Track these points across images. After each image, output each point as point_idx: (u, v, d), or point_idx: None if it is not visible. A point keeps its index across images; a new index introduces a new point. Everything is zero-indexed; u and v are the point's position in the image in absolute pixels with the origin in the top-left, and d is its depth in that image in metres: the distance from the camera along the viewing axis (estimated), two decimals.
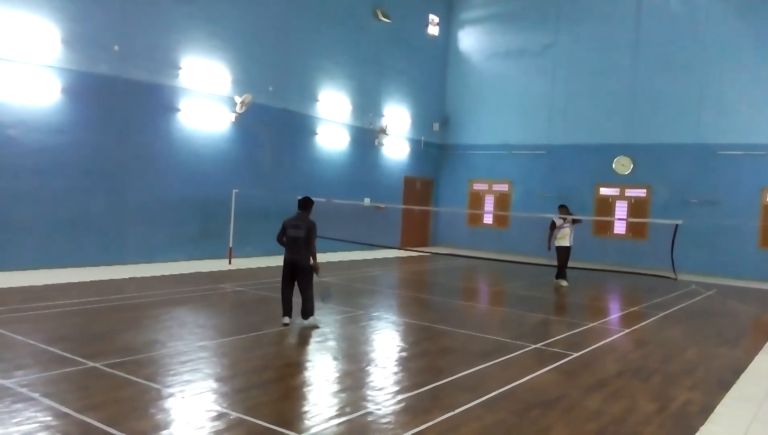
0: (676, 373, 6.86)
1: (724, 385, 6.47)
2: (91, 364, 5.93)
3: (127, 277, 11.25)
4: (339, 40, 17.64)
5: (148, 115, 13.04)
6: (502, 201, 20.96)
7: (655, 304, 11.66)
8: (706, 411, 5.59)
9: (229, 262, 13.75)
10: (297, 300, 8.10)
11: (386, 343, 7.83)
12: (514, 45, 20.64)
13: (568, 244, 13.16)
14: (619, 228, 18.82)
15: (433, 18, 21.32)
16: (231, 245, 13.92)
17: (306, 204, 8.25)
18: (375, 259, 16.93)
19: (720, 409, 5.69)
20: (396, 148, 20.15)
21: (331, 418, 4.89)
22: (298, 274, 8.04)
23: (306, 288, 8.03)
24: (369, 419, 4.97)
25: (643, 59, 18.37)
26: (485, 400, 5.49)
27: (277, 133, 15.88)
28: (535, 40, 20.23)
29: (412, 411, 5.20)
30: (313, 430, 4.63)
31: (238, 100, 14.48)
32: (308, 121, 16.89)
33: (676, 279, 12.17)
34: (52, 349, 6.38)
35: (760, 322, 11.15)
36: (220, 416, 4.83)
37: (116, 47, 12.23)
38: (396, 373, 6.33)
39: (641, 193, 18.50)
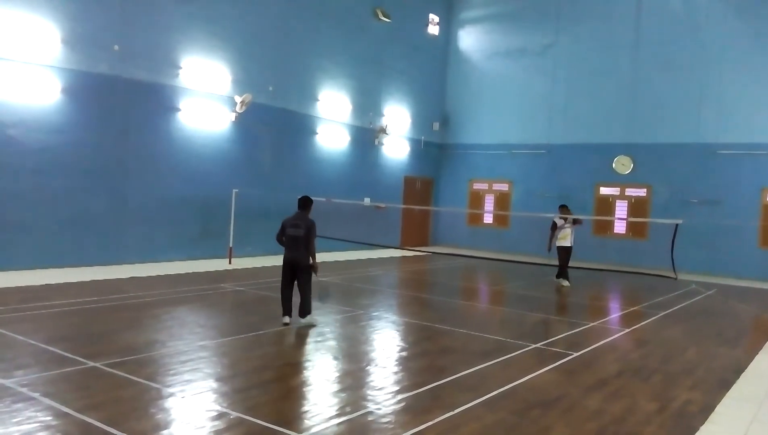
0: (676, 372, 6.86)
1: (725, 384, 6.47)
2: (92, 363, 5.93)
3: (127, 276, 11.25)
4: (339, 40, 17.64)
5: (148, 115, 13.05)
6: (502, 201, 20.96)
7: (655, 304, 11.66)
8: (706, 411, 5.59)
9: (229, 262, 13.76)
10: (297, 300, 8.10)
11: (386, 342, 7.83)
12: (514, 45, 20.64)
13: (569, 245, 13.16)
14: (620, 228, 18.82)
15: (433, 17, 21.31)
16: (231, 245, 13.92)
17: (305, 203, 8.25)
18: (375, 258, 16.93)
19: (720, 408, 5.70)
20: (396, 147, 20.15)
21: (331, 418, 4.89)
22: (297, 274, 8.04)
23: (305, 287, 8.04)
24: (369, 419, 4.97)
25: (643, 59, 18.36)
26: (485, 400, 5.49)
27: (277, 132, 15.88)
28: (535, 39, 20.22)
29: (412, 411, 5.20)
30: (313, 430, 4.63)
31: (238, 99, 14.49)
32: (308, 120, 16.89)
33: (676, 278, 12.15)
34: (52, 348, 6.38)
35: (760, 321, 11.15)
36: (220, 416, 4.83)
37: (116, 47, 12.23)
38: (396, 373, 6.33)
39: (641, 192, 18.50)
